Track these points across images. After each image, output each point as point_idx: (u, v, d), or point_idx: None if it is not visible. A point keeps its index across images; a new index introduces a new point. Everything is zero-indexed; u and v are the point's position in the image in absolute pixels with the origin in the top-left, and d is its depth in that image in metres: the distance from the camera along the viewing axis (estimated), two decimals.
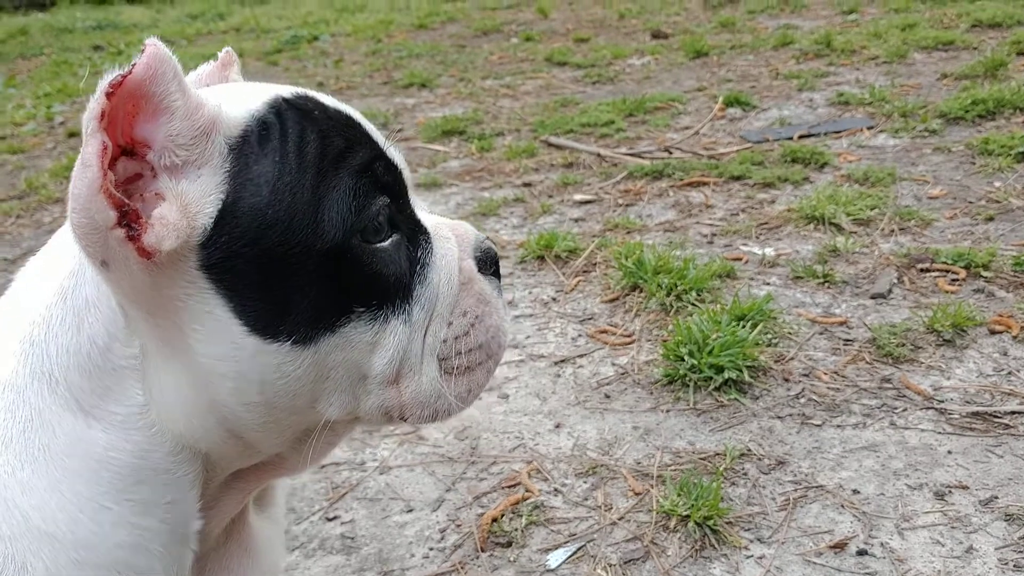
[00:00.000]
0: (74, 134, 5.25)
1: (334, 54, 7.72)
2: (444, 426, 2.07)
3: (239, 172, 0.76)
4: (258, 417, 0.80)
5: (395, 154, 0.91)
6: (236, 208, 0.75)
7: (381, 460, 1.98)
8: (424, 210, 0.95)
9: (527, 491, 1.82)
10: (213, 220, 0.74)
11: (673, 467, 1.84)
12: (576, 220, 3.28)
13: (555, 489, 1.83)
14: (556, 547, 1.67)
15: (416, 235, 0.88)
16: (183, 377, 0.77)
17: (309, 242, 0.77)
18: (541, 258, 2.91)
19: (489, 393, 2.19)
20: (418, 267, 0.87)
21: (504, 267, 2.89)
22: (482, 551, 1.68)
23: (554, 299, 2.66)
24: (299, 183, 0.78)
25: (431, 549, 1.70)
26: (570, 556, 1.65)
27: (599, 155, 3.92)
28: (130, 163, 0.72)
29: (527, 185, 3.72)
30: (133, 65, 0.68)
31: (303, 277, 0.77)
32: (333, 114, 0.85)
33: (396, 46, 7.72)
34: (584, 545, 1.67)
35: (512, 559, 1.65)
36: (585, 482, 1.84)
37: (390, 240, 0.84)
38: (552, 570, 1.62)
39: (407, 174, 0.93)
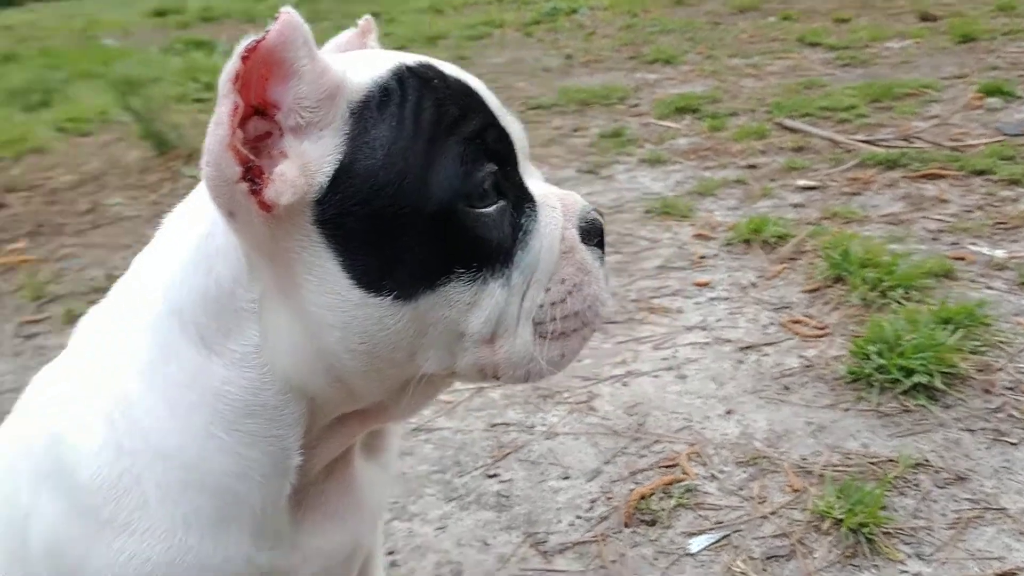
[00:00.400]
0: None
1: (589, 27, 7.78)
2: (616, 399, 2.09)
3: (358, 135, 0.82)
4: (361, 366, 0.86)
5: (510, 123, 0.94)
6: (352, 169, 0.81)
7: (549, 426, 2.03)
8: (537, 178, 0.97)
9: (684, 473, 1.81)
10: (329, 179, 0.80)
11: (840, 467, 1.77)
12: (794, 206, 3.16)
13: (712, 475, 1.80)
14: (700, 532, 1.66)
15: (522, 203, 0.91)
16: (295, 323, 0.84)
17: (417, 204, 0.81)
18: (747, 242, 2.84)
19: (668, 371, 2.19)
20: (520, 233, 0.89)
21: (708, 248, 2.85)
22: (626, 526, 1.69)
23: (753, 284, 2.59)
24: (412, 148, 0.82)
25: (578, 518, 1.74)
26: (712, 543, 1.63)
27: (832, 140, 3.74)
28: (260, 122, 0.79)
29: (751, 167, 3.62)
30: (267, 31, 0.74)
31: (409, 237, 0.82)
32: (452, 83, 0.89)
33: (651, 21, 7.67)
34: (729, 535, 1.64)
35: (654, 538, 1.66)
36: (744, 472, 1.80)
37: (495, 206, 0.87)
38: (692, 554, 1.61)
39: (521, 144, 0.95)
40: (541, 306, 0.90)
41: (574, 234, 0.94)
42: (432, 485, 1.88)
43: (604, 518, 1.72)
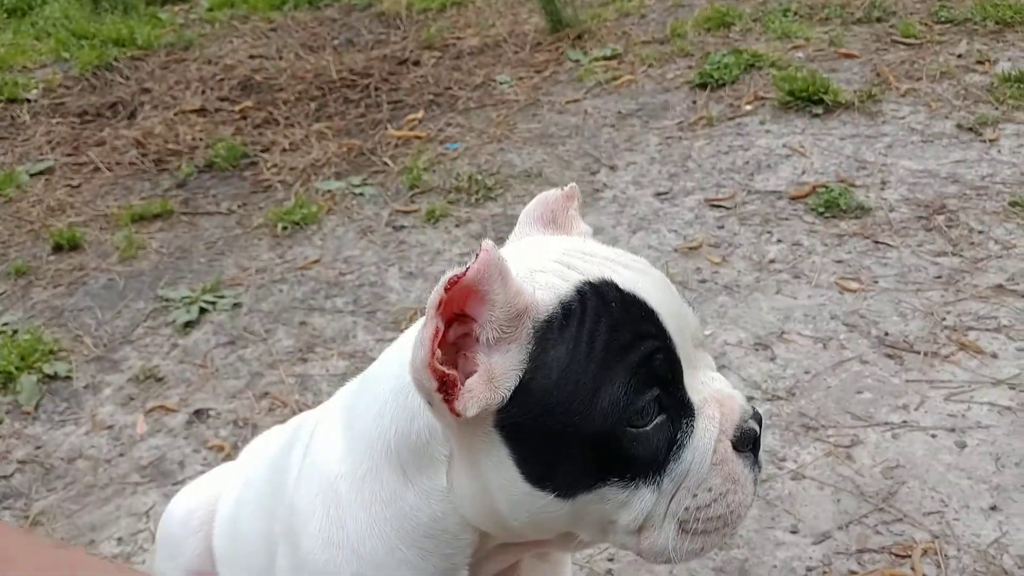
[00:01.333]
0: None
1: None
2: (879, 453, 2.04)
3: (538, 354, 0.94)
4: (525, 527, 1.01)
5: (683, 320, 1.01)
6: (529, 386, 0.93)
7: (800, 465, 2.04)
8: (706, 367, 1.04)
9: (912, 570, 1.77)
10: (510, 393, 0.93)
11: None
12: None
13: None
14: None
15: (680, 417, 0.98)
16: (475, 484, 1.00)
17: (580, 425, 0.93)
18: None
19: (948, 433, 2.07)
20: (675, 447, 0.98)
21: None
22: None
23: None
24: (584, 372, 0.93)
25: None
26: None
27: None
28: (460, 327, 0.94)
29: None
30: (467, 268, 0.88)
31: (571, 449, 0.94)
32: (629, 302, 0.97)
33: None
34: None
35: None
36: None
37: (653, 424, 0.96)
38: None
39: (689, 339, 1.01)
40: (687, 508, 0.99)
41: (727, 446, 1.00)
42: None
43: None
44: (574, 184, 1.17)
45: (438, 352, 0.89)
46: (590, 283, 0.97)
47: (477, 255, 0.88)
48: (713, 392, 1.02)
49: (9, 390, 2.57)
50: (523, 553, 1.16)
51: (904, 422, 2.12)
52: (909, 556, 1.80)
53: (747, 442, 1.01)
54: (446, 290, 0.87)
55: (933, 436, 2.07)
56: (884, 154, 3.26)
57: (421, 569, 1.06)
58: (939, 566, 1.77)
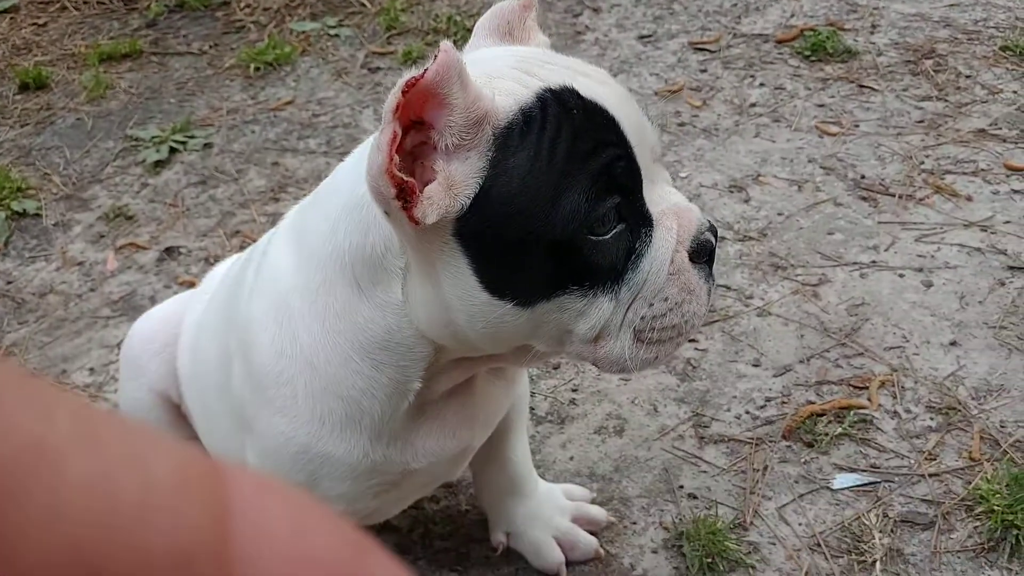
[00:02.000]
0: None
1: None
2: (845, 291, 2.04)
3: (499, 160, 0.93)
4: (482, 338, 1.03)
5: (644, 133, 1.00)
6: (490, 193, 0.93)
7: (767, 302, 2.05)
8: (663, 182, 1.06)
9: (868, 400, 1.79)
10: (470, 200, 0.92)
11: None
12: None
13: (895, 412, 1.77)
14: (851, 470, 1.68)
15: (638, 227, 1.00)
16: (431, 296, 1.01)
17: (541, 231, 0.93)
18: None
19: (916, 273, 2.07)
20: (633, 256, 1.00)
21: None
22: (784, 439, 1.75)
23: None
24: (545, 178, 0.93)
25: (746, 412, 1.81)
26: (857, 485, 1.66)
27: None
28: (417, 135, 0.92)
29: None
30: (425, 69, 0.86)
31: (531, 257, 0.95)
32: (591, 110, 0.97)
33: None
34: (878, 483, 1.66)
35: (805, 460, 1.71)
36: (931, 419, 1.75)
37: (612, 232, 0.97)
38: (831, 489, 1.66)
39: (649, 153, 1.02)
40: (643, 318, 1.01)
41: (683, 257, 1.02)
42: None
43: (769, 422, 1.79)
44: None
45: (396, 158, 0.87)
46: (551, 90, 0.95)
47: (435, 56, 0.85)
48: (671, 204, 1.03)
49: None
50: (477, 368, 1.16)
51: (873, 262, 2.12)
52: (867, 388, 1.82)
53: (703, 253, 1.03)
54: (403, 93, 0.85)
55: (901, 276, 2.07)
56: None
57: (374, 380, 1.08)
58: (895, 396, 1.80)
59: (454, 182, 0.91)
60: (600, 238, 0.95)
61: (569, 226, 0.93)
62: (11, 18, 3.79)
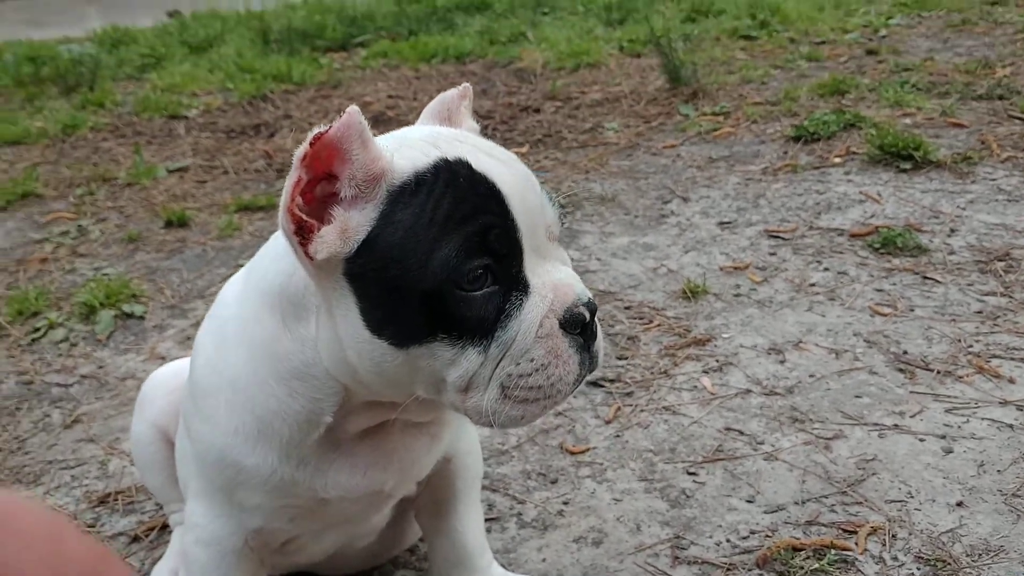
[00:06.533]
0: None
1: None
2: (858, 447, 2.00)
3: (389, 213, 1.07)
4: (372, 378, 1.13)
5: (534, 217, 1.11)
6: (376, 241, 1.06)
7: (776, 449, 2.03)
8: (556, 260, 1.15)
9: (855, 544, 1.73)
10: (359, 245, 1.07)
11: None
12: None
13: (881, 558, 1.70)
14: None
15: (511, 291, 1.10)
16: (332, 332, 1.13)
17: (415, 280, 1.05)
18: None
19: (937, 439, 2.01)
20: (503, 316, 1.09)
21: None
22: (758, 567, 1.70)
23: None
24: (424, 234, 1.05)
25: (727, 541, 1.78)
26: None
27: None
28: (327, 186, 1.07)
29: None
30: (330, 126, 1.02)
31: (407, 302, 1.06)
32: (478, 181, 1.09)
33: None
34: None
35: None
36: (917, 569, 1.66)
37: (482, 292, 1.07)
38: None
39: (537, 236, 1.12)
40: (510, 375, 1.10)
41: (554, 323, 1.10)
42: (638, 461, 2.04)
43: (747, 551, 1.74)
44: (467, 85, 1.31)
45: (298, 199, 1.03)
46: (447, 159, 1.09)
47: (340, 116, 1.02)
48: (554, 279, 1.13)
49: (90, 321, 2.87)
50: (387, 415, 1.25)
51: (895, 425, 2.08)
52: (856, 532, 1.76)
53: (575, 324, 1.11)
54: (311, 144, 1.01)
55: (921, 440, 2.02)
56: (963, 208, 3.20)
57: (287, 406, 1.20)
58: (884, 544, 1.73)
59: (348, 227, 1.04)
60: (469, 293, 1.05)
61: (438, 278, 1.03)
62: (180, 175, 4.36)
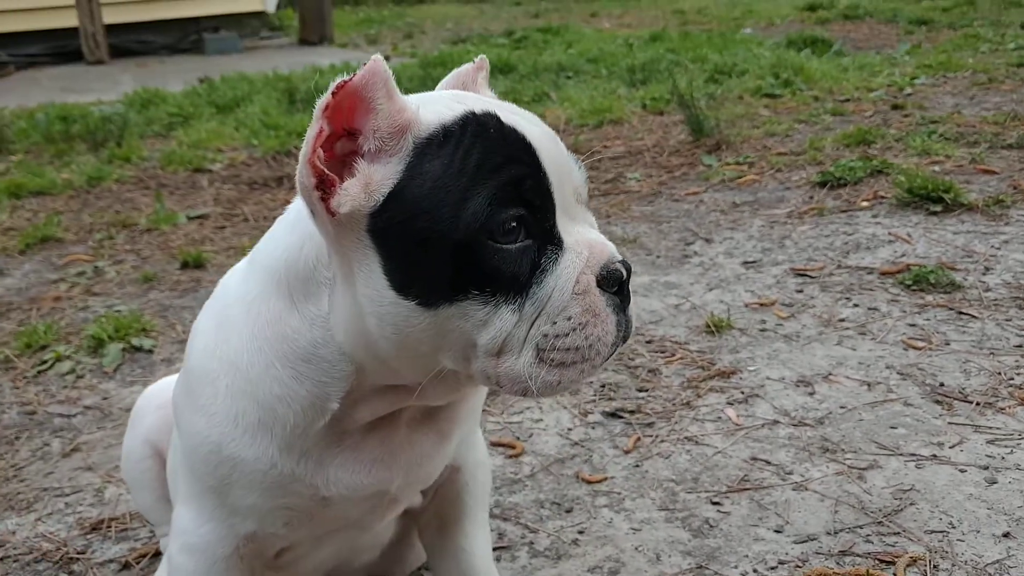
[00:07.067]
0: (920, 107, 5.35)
1: None
2: (895, 477, 1.88)
3: (415, 165, 1.00)
4: (393, 350, 1.05)
5: (563, 174, 1.05)
6: (403, 194, 1.00)
7: (806, 479, 1.91)
8: (586, 224, 1.09)
9: (893, 575, 1.60)
10: (384, 199, 1.00)
11: None
12: None
13: None
14: None
15: (547, 245, 1.03)
16: (350, 304, 1.06)
17: (446, 232, 0.98)
18: None
19: (980, 470, 1.89)
20: (538, 271, 1.02)
21: None
22: None
23: None
24: (454, 184, 0.99)
25: (753, 571, 1.66)
26: None
27: None
28: (347, 143, 1.01)
29: None
30: (354, 74, 0.96)
31: (437, 256, 0.99)
32: (508, 133, 1.03)
33: None
34: None
35: None
36: None
37: (517, 245, 1.00)
38: None
39: (569, 193, 1.06)
40: (546, 335, 1.02)
41: (591, 280, 1.03)
42: (659, 491, 1.92)
43: None
44: (483, 56, 1.25)
45: (320, 151, 0.96)
46: (474, 112, 1.04)
47: (364, 65, 0.96)
48: (587, 239, 1.06)
49: (98, 354, 2.81)
50: (399, 402, 1.16)
51: (934, 456, 1.95)
52: (894, 563, 1.63)
53: (612, 281, 1.04)
54: (333, 94, 0.95)
55: (962, 471, 1.89)
56: (997, 247, 3.09)
57: (293, 390, 1.11)
58: (925, 574, 1.60)
59: (371, 181, 0.98)
60: (503, 246, 0.98)
61: (471, 228, 0.96)
62: (201, 222, 4.33)
